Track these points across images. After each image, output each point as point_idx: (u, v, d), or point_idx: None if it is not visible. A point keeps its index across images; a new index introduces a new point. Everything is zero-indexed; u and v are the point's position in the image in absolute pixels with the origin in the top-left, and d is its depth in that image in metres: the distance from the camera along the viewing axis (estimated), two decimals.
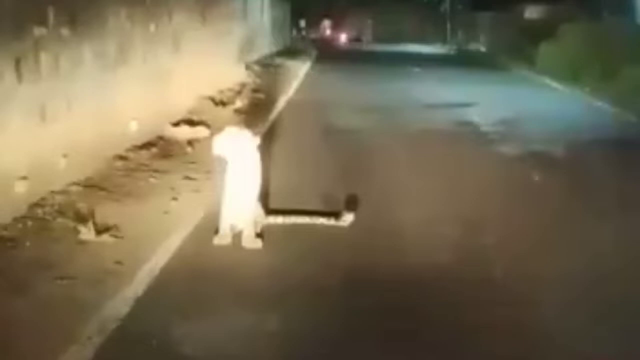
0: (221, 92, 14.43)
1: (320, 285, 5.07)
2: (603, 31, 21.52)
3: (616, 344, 4.33)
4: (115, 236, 5.86)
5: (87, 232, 5.79)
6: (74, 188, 7.06)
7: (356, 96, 16.63)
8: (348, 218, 6.40)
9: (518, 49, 28.30)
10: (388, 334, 4.34)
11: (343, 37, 41.88)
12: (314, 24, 42.23)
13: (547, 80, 21.09)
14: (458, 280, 5.29)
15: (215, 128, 10.69)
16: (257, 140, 5.94)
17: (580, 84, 18.85)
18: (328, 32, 42.27)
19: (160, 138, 9.80)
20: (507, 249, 6.02)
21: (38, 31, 6.55)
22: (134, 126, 9.14)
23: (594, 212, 7.17)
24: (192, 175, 8.07)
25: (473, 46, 40.48)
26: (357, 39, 44.84)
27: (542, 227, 6.67)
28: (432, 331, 4.43)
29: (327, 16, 42.65)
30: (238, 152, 5.79)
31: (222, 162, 5.93)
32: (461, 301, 4.88)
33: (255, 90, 16.02)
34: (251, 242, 5.79)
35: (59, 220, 6.15)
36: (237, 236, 5.85)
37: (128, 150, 8.79)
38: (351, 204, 6.79)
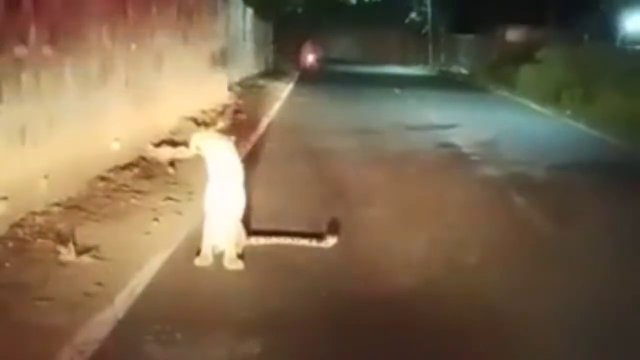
0: (204, 112, 14.42)
1: (302, 308, 5.04)
2: (584, 54, 21.77)
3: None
4: (96, 257, 5.81)
5: (67, 253, 5.74)
6: (55, 209, 7.01)
7: (337, 118, 16.69)
8: (331, 241, 6.39)
9: (499, 71, 28.53)
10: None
11: (310, 58, 41.77)
12: (297, 45, 42.27)
13: (528, 103, 21.27)
14: (433, 301, 5.29)
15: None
16: (231, 141, 5.96)
17: (561, 107, 19.00)
18: (309, 56, 42.16)
19: (142, 158, 9.76)
20: (488, 273, 6.02)
21: (19, 50, 6.52)
22: (115, 147, 9.10)
23: (575, 233, 7.22)
24: (174, 196, 8.04)
25: (454, 68, 40.80)
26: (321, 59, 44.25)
27: (521, 249, 6.71)
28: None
29: (306, 39, 42.66)
30: (217, 151, 5.79)
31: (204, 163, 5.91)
32: (439, 317, 4.88)
33: (237, 112, 16.02)
34: (233, 263, 5.76)
35: (39, 241, 6.10)
36: (218, 257, 5.82)
37: (110, 170, 8.74)
38: (333, 226, 6.76)
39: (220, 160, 5.81)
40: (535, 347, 4.56)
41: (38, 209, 6.80)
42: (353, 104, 20.44)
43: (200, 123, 13.19)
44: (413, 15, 52.90)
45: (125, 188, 8.25)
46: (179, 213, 7.42)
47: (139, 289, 5.24)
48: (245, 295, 5.37)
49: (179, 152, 9.97)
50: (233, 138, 6.15)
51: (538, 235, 7.25)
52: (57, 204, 7.12)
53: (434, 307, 5.14)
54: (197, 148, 5.90)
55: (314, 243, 6.36)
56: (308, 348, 4.42)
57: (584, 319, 4.98)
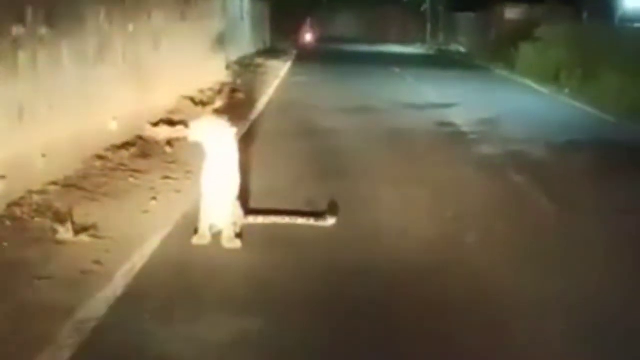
0: (201, 91, 14.39)
1: (300, 288, 5.06)
2: (582, 33, 21.69)
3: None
4: (94, 236, 5.83)
5: (65, 232, 5.76)
6: (53, 188, 7.01)
7: (336, 96, 16.66)
8: (330, 221, 6.40)
9: (498, 49, 28.43)
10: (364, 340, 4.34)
11: (308, 37, 41.75)
12: (295, 24, 42.10)
13: (527, 81, 21.21)
14: (432, 275, 5.31)
15: None
16: (234, 130, 5.92)
17: (560, 85, 18.97)
18: (308, 35, 42.05)
19: (140, 138, 9.75)
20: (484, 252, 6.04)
21: (16, 30, 6.50)
22: (113, 126, 9.10)
23: (571, 212, 7.24)
24: (172, 175, 8.05)
25: (453, 47, 40.63)
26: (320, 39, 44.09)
27: (519, 228, 6.72)
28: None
29: (304, 18, 42.49)
30: (216, 139, 5.77)
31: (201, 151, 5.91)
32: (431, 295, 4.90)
33: (235, 90, 15.99)
34: (230, 242, 5.77)
35: (37, 220, 6.11)
36: (216, 236, 5.83)
37: (107, 150, 8.74)
38: (332, 206, 6.76)
39: (218, 144, 5.79)
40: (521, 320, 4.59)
41: (36, 187, 6.81)
42: (351, 82, 20.38)
43: (198, 102, 13.20)
44: None
45: (123, 167, 8.26)
46: (177, 192, 7.43)
47: (137, 268, 5.26)
48: (242, 273, 5.38)
49: (177, 132, 9.97)
50: (226, 117, 6.09)
51: (537, 213, 7.25)
52: (55, 183, 7.13)
53: (432, 285, 5.17)
54: (195, 136, 5.85)
55: (312, 222, 6.38)
56: (305, 326, 4.43)
57: (576, 299, 5.02)
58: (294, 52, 31.53)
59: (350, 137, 11.29)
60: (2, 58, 6.27)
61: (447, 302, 4.87)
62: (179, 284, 5.02)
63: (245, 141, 8.92)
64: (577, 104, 16.32)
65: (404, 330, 4.41)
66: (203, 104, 13.27)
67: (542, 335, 4.41)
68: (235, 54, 22.84)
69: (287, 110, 14.25)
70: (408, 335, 4.35)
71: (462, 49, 38.62)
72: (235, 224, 5.91)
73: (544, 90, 19.29)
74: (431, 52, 40.80)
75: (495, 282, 5.28)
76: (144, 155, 8.98)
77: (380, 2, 52.00)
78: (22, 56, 6.61)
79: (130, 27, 9.84)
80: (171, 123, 10.68)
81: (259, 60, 25.43)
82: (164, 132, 10.10)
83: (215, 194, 5.82)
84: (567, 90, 18.26)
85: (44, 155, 7.04)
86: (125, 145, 9.18)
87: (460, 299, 4.92)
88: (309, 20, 42.46)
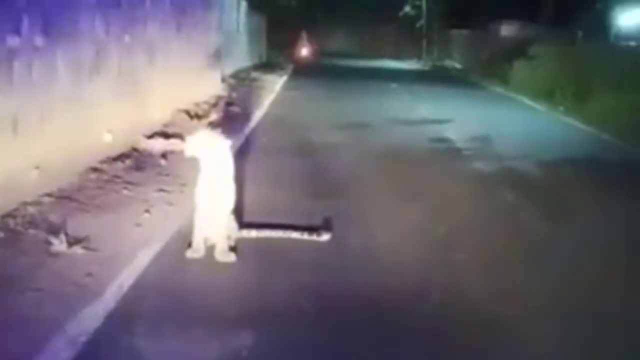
0: (197, 105, 14.38)
1: (293, 302, 5.04)
2: (577, 51, 21.79)
3: None
4: (87, 248, 5.80)
5: (58, 244, 5.73)
6: (46, 199, 6.99)
7: (332, 112, 16.66)
8: (325, 236, 6.39)
9: (493, 66, 28.55)
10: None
11: (304, 51, 41.87)
12: (291, 39, 42.18)
13: (521, 99, 21.28)
14: (425, 292, 5.30)
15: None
16: (229, 142, 5.91)
17: (554, 103, 19.03)
18: (304, 49, 42.13)
19: (135, 150, 9.74)
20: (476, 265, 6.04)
21: (11, 40, 6.49)
22: (108, 138, 9.08)
23: (562, 230, 7.30)
24: (166, 187, 8.03)
25: (448, 63, 40.77)
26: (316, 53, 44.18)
27: (509, 246, 6.73)
28: None
29: (300, 33, 42.58)
30: (211, 153, 5.75)
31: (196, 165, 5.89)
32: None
33: (231, 104, 15.99)
34: (224, 255, 5.75)
35: (31, 231, 6.08)
36: (210, 249, 5.81)
37: (102, 162, 8.71)
38: (327, 222, 6.75)
39: (213, 157, 5.78)
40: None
41: (29, 199, 6.78)
42: (346, 97, 20.40)
43: (193, 115, 13.18)
44: (407, 9, 52.84)
45: (117, 179, 8.23)
46: (171, 204, 7.40)
47: (130, 281, 5.24)
48: (236, 287, 5.37)
49: (172, 144, 9.96)
50: (220, 130, 6.09)
51: (528, 232, 7.27)
52: (49, 195, 7.10)
53: (422, 303, 5.16)
54: (191, 151, 5.84)
55: (305, 236, 6.36)
56: (298, 342, 4.42)
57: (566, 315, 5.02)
58: (290, 66, 31.55)
59: (343, 152, 11.27)
60: None
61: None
62: (171, 298, 5.00)
63: (240, 155, 8.89)
64: (572, 122, 16.38)
65: (399, 342, 4.41)
66: (198, 117, 13.25)
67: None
68: (230, 67, 22.85)
69: (281, 125, 14.23)
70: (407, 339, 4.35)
71: (457, 65, 38.76)
72: (229, 237, 5.90)
73: (538, 107, 19.36)
74: (426, 67, 40.93)
75: (484, 299, 5.28)
76: (139, 167, 8.96)
77: (375, 18, 52.26)
78: (17, 67, 6.59)
79: (127, 38, 9.83)
80: (166, 136, 10.68)
81: (255, 74, 25.46)
82: (158, 145, 10.09)
83: (209, 207, 5.80)
84: (561, 108, 18.33)
85: (38, 167, 7.01)
86: (120, 157, 9.16)
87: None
88: (304, 34, 42.50)
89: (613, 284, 5.74)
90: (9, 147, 6.49)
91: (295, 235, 6.37)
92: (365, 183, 9.13)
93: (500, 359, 4.42)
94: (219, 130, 6.14)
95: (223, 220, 5.83)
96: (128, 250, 5.84)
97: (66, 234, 5.90)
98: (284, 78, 25.57)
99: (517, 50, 25.67)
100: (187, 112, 13.23)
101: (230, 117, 14.10)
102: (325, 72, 31.24)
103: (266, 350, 4.28)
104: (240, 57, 26.73)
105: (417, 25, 50.81)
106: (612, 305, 5.28)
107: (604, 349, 4.57)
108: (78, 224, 6.33)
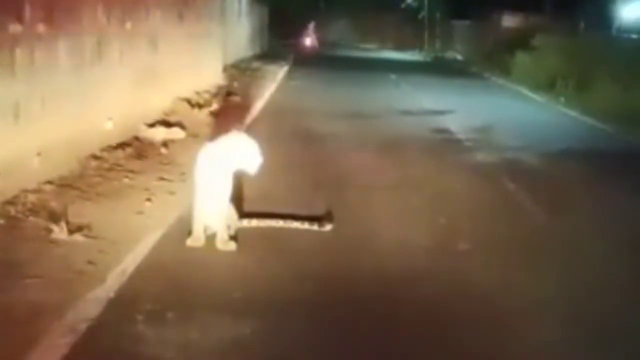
0: (198, 94, 14.37)
1: (293, 291, 5.04)
2: (579, 43, 21.76)
3: None
4: (88, 236, 5.81)
5: (59, 232, 5.74)
6: (47, 187, 6.99)
7: (332, 102, 16.64)
8: (327, 226, 6.39)
9: (494, 57, 28.50)
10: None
11: (308, 41, 41.74)
12: (292, 28, 42.04)
13: (523, 90, 21.26)
14: (427, 283, 5.31)
15: (191, 130, 10.70)
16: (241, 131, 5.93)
17: (556, 94, 19.02)
18: (309, 39, 41.95)
19: (136, 138, 9.74)
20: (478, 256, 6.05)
21: (13, 28, 6.48)
22: (109, 126, 9.08)
23: (563, 220, 7.29)
24: (167, 176, 8.03)
25: (450, 54, 40.67)
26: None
27: (511, 236, 6.74)
28: None
29: (303, 22, 42.43)
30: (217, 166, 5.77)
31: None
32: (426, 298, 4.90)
33: (231, 93, 15.98)
34: (225, 244, 5.75)
35: (32, 219, 6.09)
36: (210, 238, 5.81)
37: (103, 150, 8.72)
38: (329, 212, 6.73)
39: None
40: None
41: (30, 186, 6.78)
42: (347, 88, 20.33)
43: (194, 104, 13.17)
44: (409, 0, 52.72)
45: (118, 167, 8.24)
46: (172, 193, 7.41)
47: (130, 268, 5.24)
48: (236, 275, 5.37)
49: (172, 133, 9.97)
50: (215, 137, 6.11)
51: (529, 221, 7.28)
52: (50, 182, 7.11)
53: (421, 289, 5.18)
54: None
55: (306, 226, 6.37)
56: (299, 330, 4.43)
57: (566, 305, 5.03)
58: (291, 56, 31.49)
59: (344, 142, 11.25)
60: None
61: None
62: (172, 286, 5.00)
63: None
64: (573, 113, 16.38)
65: (402, 332, 4.42)
66: (199, 105, 13.25)
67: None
68: (232, 57, 22.80)
69: (282, 114, 14.21)
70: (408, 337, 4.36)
71: (458, 56, 38.67)
72: (229, 226, 5.90)
73: (539, 98, 19.36)
74: (428, 59, 40.84)
75: (485, 287, 5.29)
76: (140, 156, 8.96)
77: (378, 9, 52.04)
78: (19, 54, 6.59)
79: (128, 26, 9.82)
80: (167, 124, 10.67)
81: (256, 64, 25.40)
82: (159, 133, 10.09)
83: (208, 195, 5.80)
84: (562, 99, 18.32)
85: (39, 154, 7.02)
86: (121, 145, 9.16)
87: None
88: (312, 25, 42.29)
89: (613, 272, 5.75)
90: (11, 134, 6.49)
91: (296, 224, 6.37)
92: (364, 174, 9.08)
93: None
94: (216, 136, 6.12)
95: (223, 208, 5.83)
96: (129, 239, 5.85)
97: (67, 222, 5.90)
98: (285, 68, 25.51)
99: (519, 41, 25.59)
100: (188, 101, 13.22)
101: (231, 106, 14.08)
102: (328, 63, 31.11)
103: (264, 341, 4.29)
104: (242, 47, 26.68)
105: (419, 16, 50.65)
106: (612, 295, 5.29)
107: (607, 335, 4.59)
108: (79, 212, 6.34)
